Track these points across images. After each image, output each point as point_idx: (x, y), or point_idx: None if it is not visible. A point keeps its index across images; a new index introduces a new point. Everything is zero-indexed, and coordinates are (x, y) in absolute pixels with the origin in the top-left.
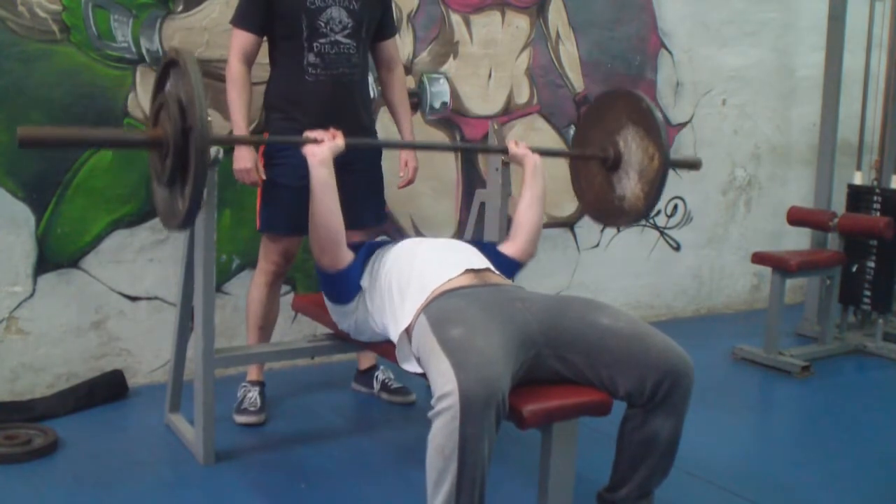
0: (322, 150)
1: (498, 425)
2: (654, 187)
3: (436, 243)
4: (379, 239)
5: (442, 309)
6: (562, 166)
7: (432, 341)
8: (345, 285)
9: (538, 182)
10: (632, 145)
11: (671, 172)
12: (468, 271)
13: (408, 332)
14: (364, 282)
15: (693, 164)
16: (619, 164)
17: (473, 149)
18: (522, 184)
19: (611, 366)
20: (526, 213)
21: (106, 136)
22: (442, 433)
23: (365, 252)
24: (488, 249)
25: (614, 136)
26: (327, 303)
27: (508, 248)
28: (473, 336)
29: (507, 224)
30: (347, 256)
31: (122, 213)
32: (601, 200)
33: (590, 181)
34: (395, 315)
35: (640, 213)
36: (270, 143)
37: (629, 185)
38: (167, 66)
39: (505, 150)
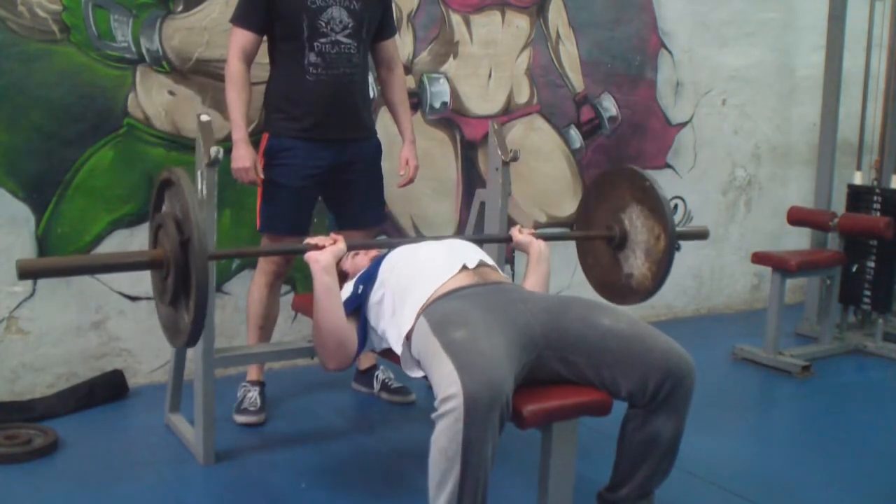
0: (325, 256)
1: (501, 427)
2: (662, 267)
3: (431, 247)
4: (371, 258)
5: (442, 311)
6: (562, 166)
7: (434, 343)
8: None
9: (542, 268)
10: (637, 224)
11: (671, 172)
12: (465, 269)
13: (408, 337)
14: (368, 312)
15: (700, 235)
16: (625, 242)
17: (480, 241)
18: (527, 268)
19: (612, 366)
20: None
21: (106, 260)
22: (445, 435)
23: (364, 303)
24: None
25: (619, 215)
26: None
27: None
28: (477, 338)
29: (507, 224)
30: (354, 341)
31: (122, 213)
32: (609, 278)
33: (597, 259)
34: (396, 321)
35: (648, 292)
36: (268, 254)
37: (636, 264)
38: (161, 187)
39: (509, 239)
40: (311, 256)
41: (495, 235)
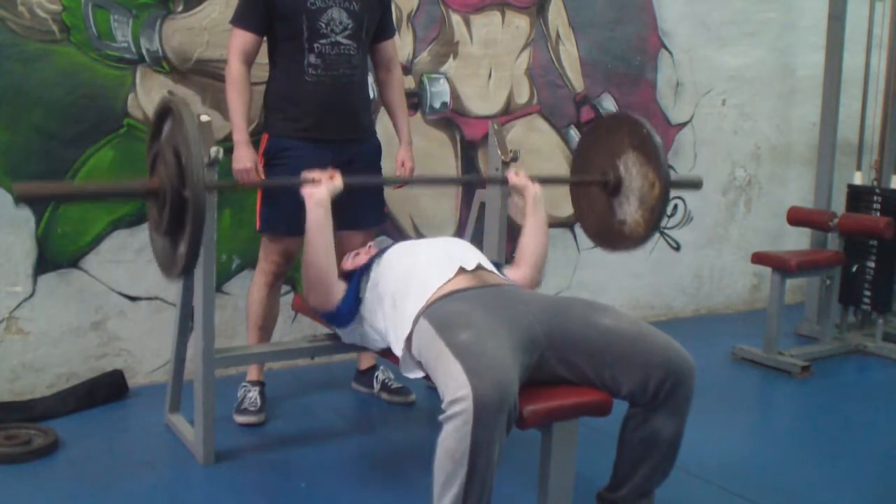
0: (320, 191)
1: (508, 430)
2: (655, 214)
3: (430, 246)
4: (370, 256)
5: (445, 312)
6: (562, 167)
7: (440, 345)
8: (339, 316)
9: (539, 212)
10: (632, 170)
11: (672, 173)
12: (462, 271)
13: (408, 339)
14: (363, 307)
15: (694, 184)
16: (619, 188)
17: (471, 181)
18: (524, 214)
19: (613, 366)
20: (530, 244)
21: (103, 187)
22: (453, 437)
23: (357, 276)
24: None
25: (615, 161)
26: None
27: (514, 274)
28: (483, 340)
29: (506, 224)
30: (338, 294)
31: (122, 213)
32: (602, 224)
33: (591, 204)
34: (395, 322)
35: (640, 239)
36: (267, 186)
37: (630, 211)
38: (161, 114)
39: (505, 181)
40: (307, 191)
41: (491, 177)
